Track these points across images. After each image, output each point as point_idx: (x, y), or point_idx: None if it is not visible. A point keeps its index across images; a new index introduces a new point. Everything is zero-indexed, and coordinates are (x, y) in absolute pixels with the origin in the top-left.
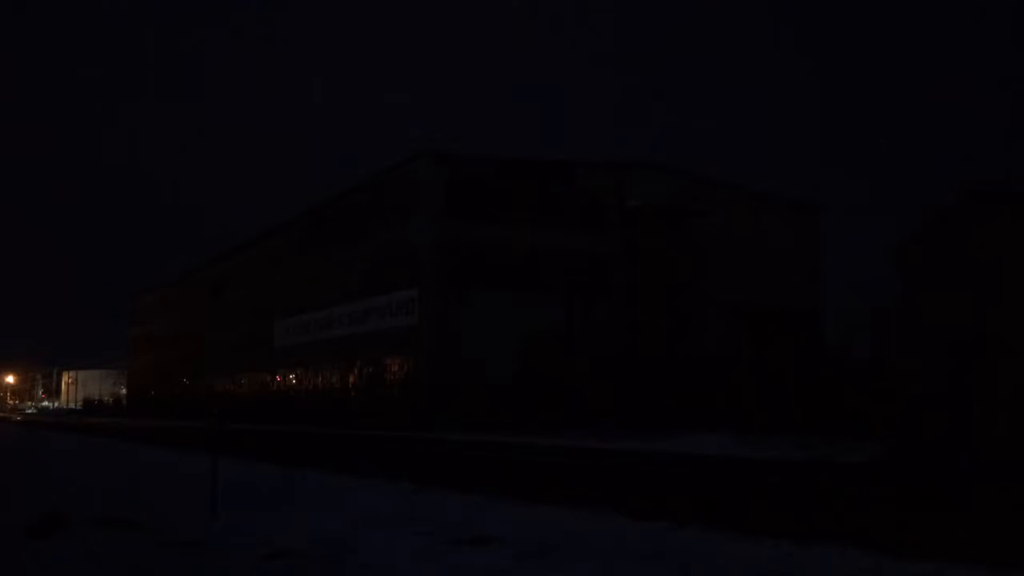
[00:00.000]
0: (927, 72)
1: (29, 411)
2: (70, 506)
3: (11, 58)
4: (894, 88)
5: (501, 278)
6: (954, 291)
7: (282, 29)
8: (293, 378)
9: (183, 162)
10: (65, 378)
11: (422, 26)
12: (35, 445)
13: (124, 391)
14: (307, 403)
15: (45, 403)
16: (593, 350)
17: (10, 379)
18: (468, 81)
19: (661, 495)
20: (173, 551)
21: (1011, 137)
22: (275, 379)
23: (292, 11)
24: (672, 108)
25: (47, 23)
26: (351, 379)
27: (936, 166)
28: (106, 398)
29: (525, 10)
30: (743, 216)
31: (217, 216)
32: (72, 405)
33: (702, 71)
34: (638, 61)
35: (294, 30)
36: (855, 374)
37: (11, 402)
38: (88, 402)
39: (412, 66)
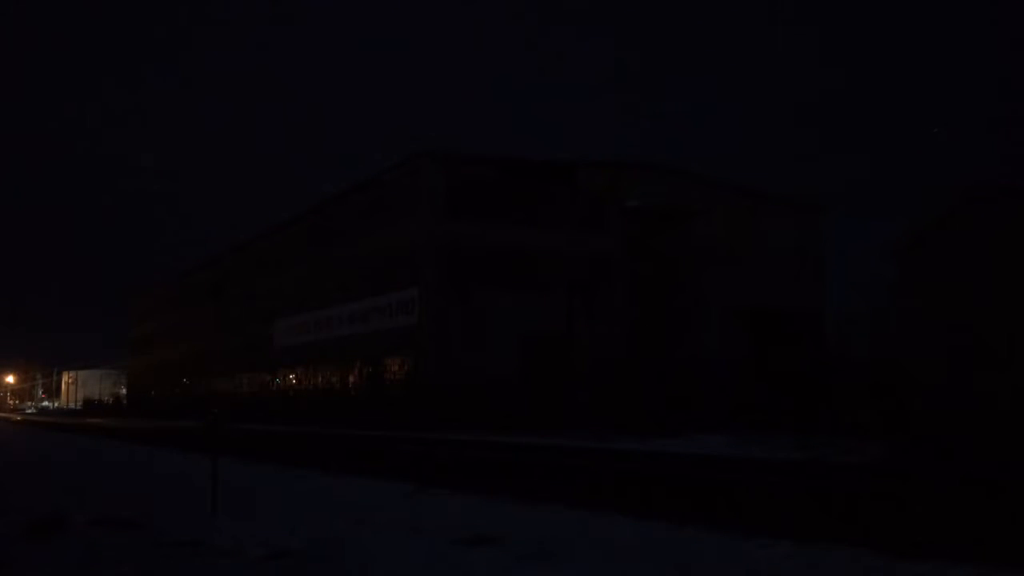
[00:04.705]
0: (927, 71)
1: (29, 411)
2: (70, 506)
3: (12, 58)
4: (894, 87)
5: (501, 278)
6: (955, 290)
7: (282, 28)
8: (293, 378)
9: (183, 162)
10: (65, 378)
11: (422, 26)
12: (36, 445)
13: (124, 391)
14: (307, 403)
15: (45, 403)
16: (593, 350)
17: (10, 379)
18: (468, 81)
19: (660, 495)
20: (173, 551)
21: (1011, 136)
22: (275, 379)
23: (292, 10)
24: (672, 108)
25: (51, 26)
26: (351, 379)
27: (936, 166)
28: (106, 398)
29: (525, 11)
30: (743, 216)
31: (217, 216)
32: (72, 405)
33: (702, 70)
34: (638, 60)
35: (294, 29)
36: (855, 374)
37: (11, 402)
38: (88, 402)
39: (412, 66)
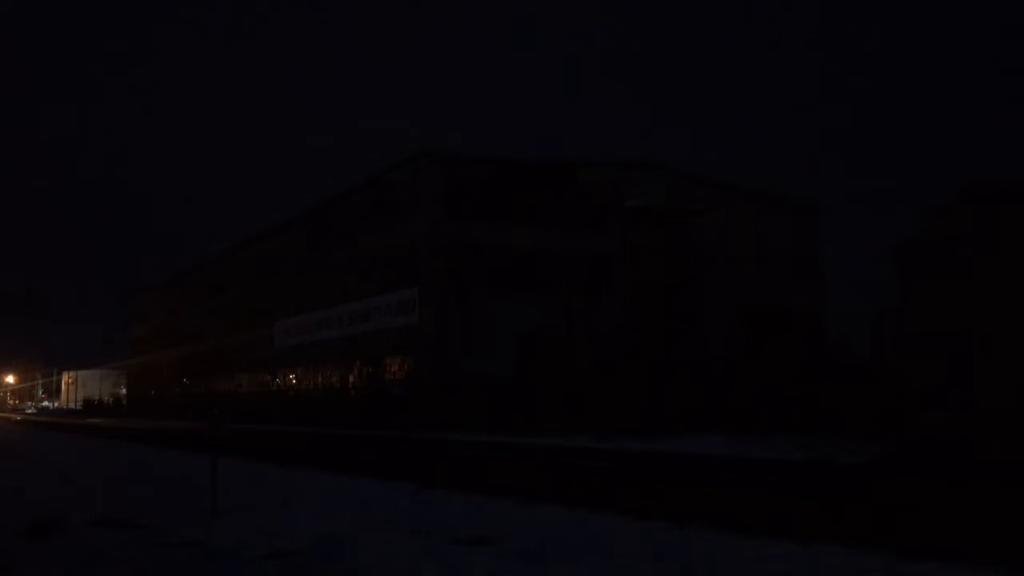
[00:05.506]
0: (926, 71)
1: (29, 411)
2: (71, 506)
3: (15, 60)
4: (894, 87)
5: (501, 278)
6: (955, 290)
7: (281, 28)
8: (293, 378)
9: (183, 162)
10: (65, 378)
11: (422, 27)
12: (36, 445)
13: (124, 391)
14: (307, 403)
15: (45, 403)
16: (593, 350)
17: (10, 379)
18: (468, 81)
19: (661, 495)
20: (173, 551)
21: (1010, 136)
22: (275, 379)
23: (291, 10)
24: (672, 108)
25: (55, 30)
26: (351, 379)
27: (936, 166)
28: (106, 398)
29: (525, 11)
30: (743, 216)
31: (217, 216)
32: (72, 405)
33: (701, 70)
34: (637, 59)
35: (293, 29)
36: (855, 374)
37: (11, 402)
38: (88, 402)
39: (412, 66)
